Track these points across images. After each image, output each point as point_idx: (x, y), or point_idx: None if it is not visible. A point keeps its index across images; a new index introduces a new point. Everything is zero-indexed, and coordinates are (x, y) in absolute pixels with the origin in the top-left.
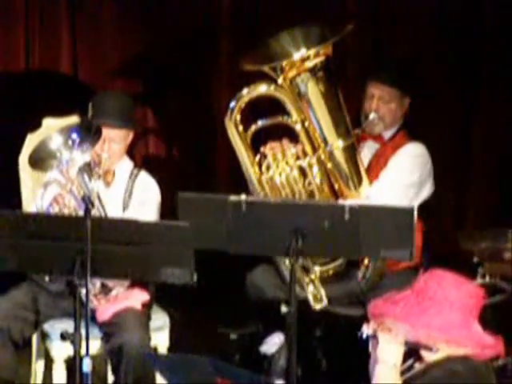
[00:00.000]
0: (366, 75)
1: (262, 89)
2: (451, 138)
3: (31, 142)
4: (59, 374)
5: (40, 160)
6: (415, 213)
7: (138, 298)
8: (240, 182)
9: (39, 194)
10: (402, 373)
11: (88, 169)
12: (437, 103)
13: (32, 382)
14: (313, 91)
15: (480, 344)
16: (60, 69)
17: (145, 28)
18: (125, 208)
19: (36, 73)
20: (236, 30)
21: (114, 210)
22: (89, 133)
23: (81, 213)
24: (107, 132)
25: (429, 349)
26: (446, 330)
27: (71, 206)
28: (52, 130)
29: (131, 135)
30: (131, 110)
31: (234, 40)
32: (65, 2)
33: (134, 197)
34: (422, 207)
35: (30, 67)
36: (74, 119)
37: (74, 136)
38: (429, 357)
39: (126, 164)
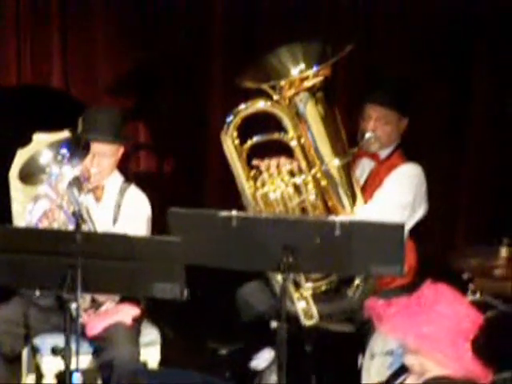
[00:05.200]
0: (358, 94)
1: (260, 105)
2: (442, 155)
3: (21, 157)
4: None
5: (30, 174)
6: (405, 229)
7: (128, 312)
8: (231, 198)
9: (28, 208)
10: None
11: (77, 183)
12: (429, 122)
13: None
14: (311, 112)
15: (465, 368)
16: (51, 84)
17: (136, 43)
18: (115, 222)
19: (27, 88)
20: (229, 45)
21: (104, 225)
22: (78, 147)
23: (71, 227)
24: (97, 147)
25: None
26: (432, 341)
27: (61, 221)
28: (42, 145)
29: (121, 150)
30: (121, 125)
31: (227, 55)
32: (56, 17)
33: (123, 210)
34: (416, 228)
35: (21, 82)
36: (64, 134)
37: (64, 151)
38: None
39: (116, 178)
